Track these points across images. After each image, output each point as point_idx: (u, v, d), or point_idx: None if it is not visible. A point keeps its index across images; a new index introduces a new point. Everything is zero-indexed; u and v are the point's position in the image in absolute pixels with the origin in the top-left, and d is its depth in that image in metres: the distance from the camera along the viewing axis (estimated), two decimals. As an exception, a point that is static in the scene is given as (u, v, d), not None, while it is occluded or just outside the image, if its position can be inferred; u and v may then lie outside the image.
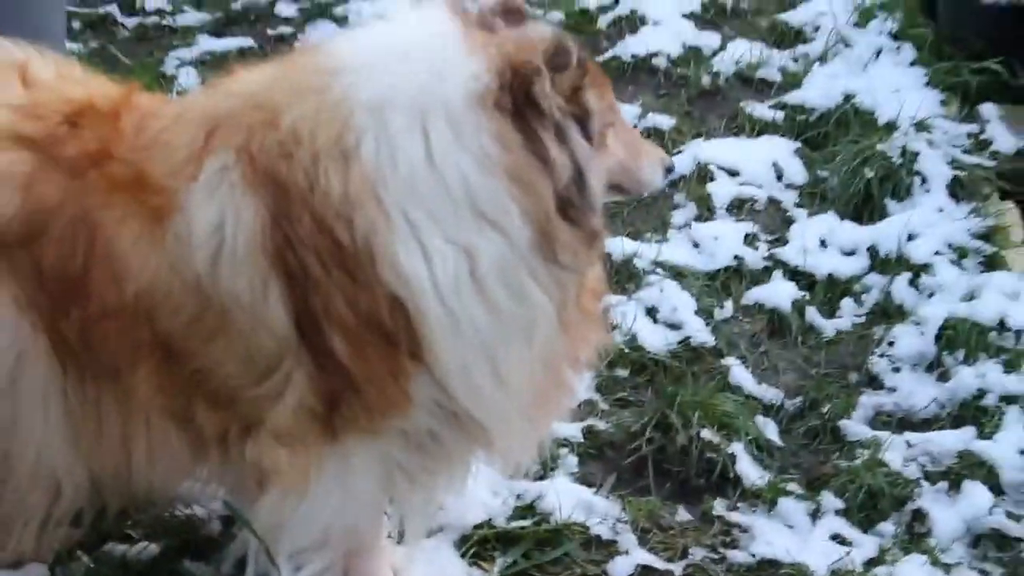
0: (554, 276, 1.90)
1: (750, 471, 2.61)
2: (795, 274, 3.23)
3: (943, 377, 2.88)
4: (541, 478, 2.52)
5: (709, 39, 4.19)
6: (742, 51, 4.10)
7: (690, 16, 4.29)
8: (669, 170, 2.15)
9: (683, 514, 2.52)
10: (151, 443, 2.04)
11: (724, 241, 3.30)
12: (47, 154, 1.96)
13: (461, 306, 1.85)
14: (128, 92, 2.10)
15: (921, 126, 3.60)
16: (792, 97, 3.89)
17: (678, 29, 4.21)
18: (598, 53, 4.06)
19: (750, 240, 3.33)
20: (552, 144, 1.85)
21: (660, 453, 2.64)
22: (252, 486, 2.04)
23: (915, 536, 2.45)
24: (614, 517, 2.45)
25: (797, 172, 3.61)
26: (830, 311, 3.15)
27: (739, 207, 3.48)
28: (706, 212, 3.45)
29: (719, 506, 2.53)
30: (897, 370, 2.94)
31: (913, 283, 3.15)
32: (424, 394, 1.93)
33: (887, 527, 2.49)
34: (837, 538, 2.45)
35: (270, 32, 4.35)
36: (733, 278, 3.21)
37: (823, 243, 3.32)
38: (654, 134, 3.73)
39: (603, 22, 4.29)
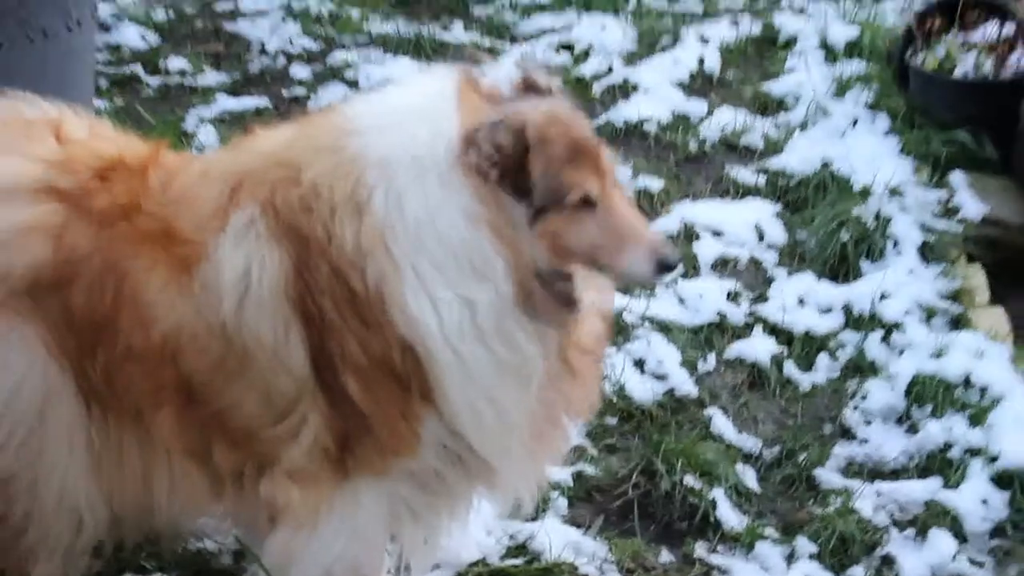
0: (538, 330, 1.99)
1: (730, 516, 2.71)
2: (774, 330, 3.31)
3: (912, 430, 2.98)
4: (533, 519, 2.60)
5: (696, 107, 4.29)
6: (727, 119, 4.21)
7: (679, 85, 4.40)
8: (665, 266, 1.97)
9: (666, 555, 2.62)
10: (171, 480, 2.12)
11: (708, 298, 3.38)
12: (79, 206, 2.07)
13: (467, 351, 1.95)
14: (156, 149, 2.21)
15: (894, 192, 3.68)
16: (774, 163, 3.99)
17: (667, 97, 4.31)
18: (592, 118, 4.13)
19: (733, 297, 3.42)
20: (512, 205, 1.94)
21: (645, 497, 2.74)
22: (264, 522, 2.12)
23: (884, 580, 2.54)
24: (601, 557, 2.55)
25: (778, 234, 3.69)
26: (807, 365, 3.23)
27: (723, 266, 3.57)
28: (691, 270, 3.53)
29: (700, 548, 2.63)
30: (869, 423, 3.03)
31: (885, 340, 3.24)
32: (432, 435, 2.02)
33: (858, 571, 2.58)
34: (810, 581, 2.53)
35: (285, 93, 4.45)
36: (716, 333, 3.29)
37: (801, 301, 3.40)
38: (644, 195, 3.82)
39: (597, 89, 4.41)
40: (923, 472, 2.85)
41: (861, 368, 3.20)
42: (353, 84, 4.47)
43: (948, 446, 2.87)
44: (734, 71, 4.58)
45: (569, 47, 4.71)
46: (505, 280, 1.94)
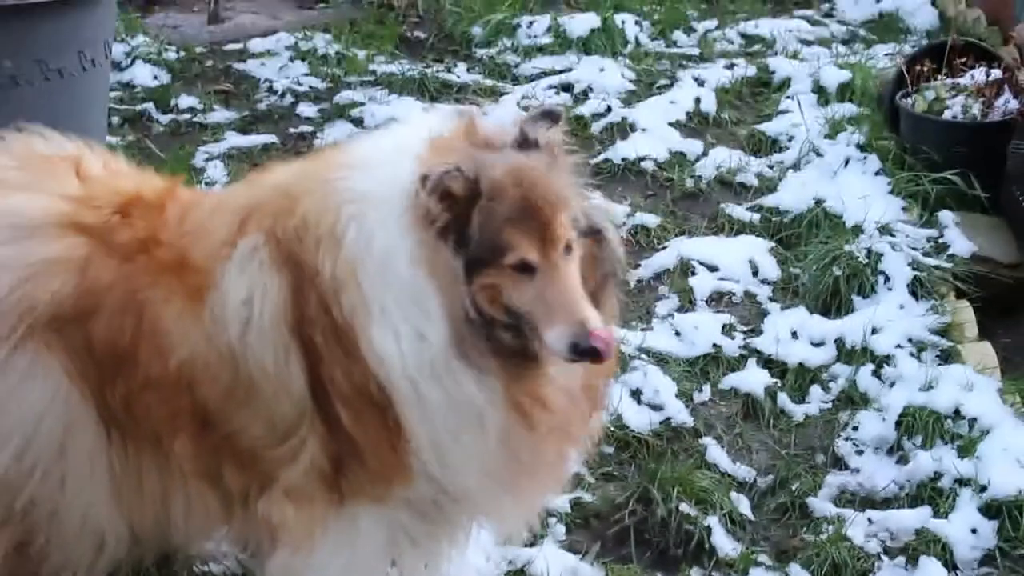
0: (474, 376, 1.93)
1: (724, 543, 2.75)
2: (768, 362, 3.36)
3: (902, 460, 3.01)
4: (531, 545, 2.64)
5: (693, 146, 4.39)
6: (723, 157, 4.29)
7: (676, 124, 4.50)
8: (580, 350, 1.87)
9: (662, 581, 2.66)
10: (188, 502, 2.16)
11: (703, 330, 3.43)
12: (101, 240, 2.14)
13: (424, 387, 1.95)
14: (172, 185, 2.30)
15: (885, 230, 3.74)
16: (768, 200, 4.05)
17: (664, 136, 4.41)
18: (591, 156, 4.24)
19: (727, 330, 3.47)
20: (447, 252, 1.91)
21: (642, 524, 2.78)
22: (268, 544, 2.14)
23: (875, 606, 2.56)
24: (598, 583, 2.59)
25: (771, 269, 3.76)
26: (800, 397, 3.28)
27: (718, 300, 3.63)
28: (687, 303, 3.59)
29: (695, 574, 2.67)
30: (860, 453, 3.06)
31: (876, 373, 3.28)
32: (423, 466, 2.03)
33: (849, 597, 2.61)
34: (803, 606, 2.57)
35: (292, 130, 4.56)
36: (711, 364, 3.34)
37: (794, 334, 3.45)
38: (641, 231, 3.91)
39: (596, 128, 4.50)
40: (914, 501, 2.88)
41: (853, 400, 3.24)
42: (359, 122, 4.57)
43: (938, 476, 2.90)
44: (729, 112, 4.67)
45: (569, 88, 4.83)
46: (440, 321, 1.93)
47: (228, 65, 5.13)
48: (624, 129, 4.46)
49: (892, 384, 3.23)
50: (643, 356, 3.32)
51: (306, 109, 4.73)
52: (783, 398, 3.26)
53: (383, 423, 2.00)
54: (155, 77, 4.94)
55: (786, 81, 4.85)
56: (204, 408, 2.11)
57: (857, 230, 3.77)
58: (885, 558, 2.71)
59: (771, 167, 4.29)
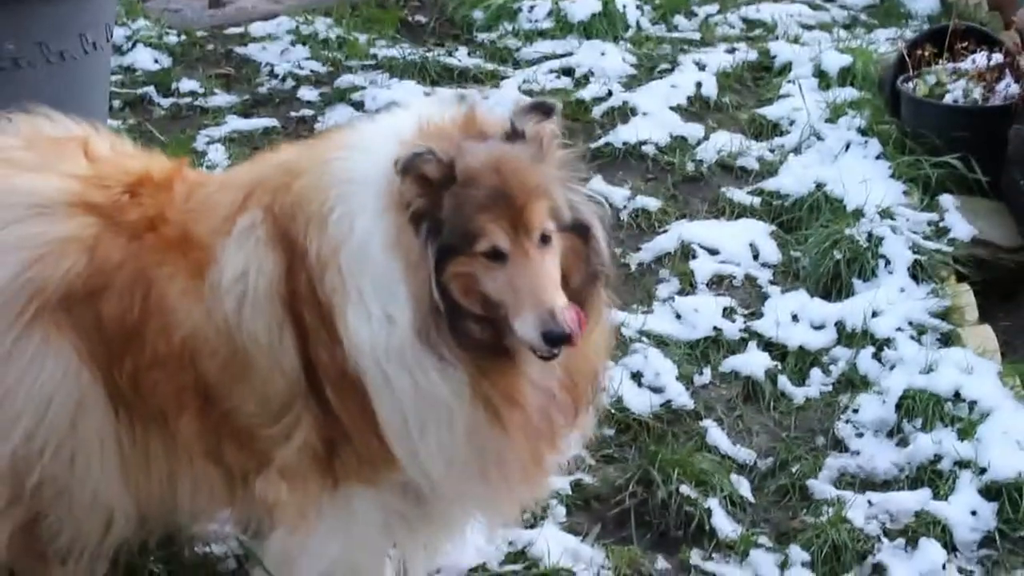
0: (439, 367, 1.91)
1: (724, 524, 2.77)
2: (769, 345, 3.37)
3: (902, 443, 3.03)
4: (532, 526, 2.67)
5: (694, 130, 4.38)
6: (723, 141, 4.29)
7: (676, 109, 4.50)
8: (552, 337, 1.83)
9: (662, 563, 2.68)
10: (193, 481, 2.18)
11: (704, 314, 3.45)
12: (111, 219, 2.15)
13: (392, 373, 1.95)
14: (179, 165, 2.32)
15: (885, 213, 3.75)
16: (768, 184, 4.06)
17: (665, 120, 4.40)
18: (592, 140, 4.26)
19: (728, 313, 3.48)
20: (418, 237, 1.89)
21: (642, 506, 2.80)
22: (267, 524, 2.17)
23: (875, 588, 2.58)
24: (599, 564, 2.62)
25: (772, 252, 3.77)
26: (800, 380, 3.29)
27: (718, 283, 3.64)
28: (688, 287, 3.60)
29: (695, 556, 2.70)
30: (860, 435, 3.08)
31: (876, 356, 3.29)
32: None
33: (849, 579, 2.63)
34: (803, 588, 2.59)
35: (293, 114, 4.55)
36: (712, 347, 3.36)
37: (795, 318, 3.46)
38: (642, 214, 3.91)
39: (597, 112, 4.50)
40: (913, 483, 2.90)
41: (853, 383, 3.26)
42: (359, 106, 4.56)
43: (938, 458, 2.92)
44: (730, 96, 4.67)
45: (570, 72, 4.82)
46: (406, 307, 1.92)
47: (229, 49, 5.11)
48: (625, 113, 4.46)
49: (892, 367, 3.25)
50: (644, 339, 3.34)
51: (307, 93, 4.72)
52: (783, 381, 3.28)
53: (365, 406, 2.01)
54: (156, 61, 4.93)
55: (787, 65, 4.84)
56: (205, 384, 2.12)
57: (858, 214, 3.78)
58: (885, 540, 2.73)
59: (772, 151, 4.29)
